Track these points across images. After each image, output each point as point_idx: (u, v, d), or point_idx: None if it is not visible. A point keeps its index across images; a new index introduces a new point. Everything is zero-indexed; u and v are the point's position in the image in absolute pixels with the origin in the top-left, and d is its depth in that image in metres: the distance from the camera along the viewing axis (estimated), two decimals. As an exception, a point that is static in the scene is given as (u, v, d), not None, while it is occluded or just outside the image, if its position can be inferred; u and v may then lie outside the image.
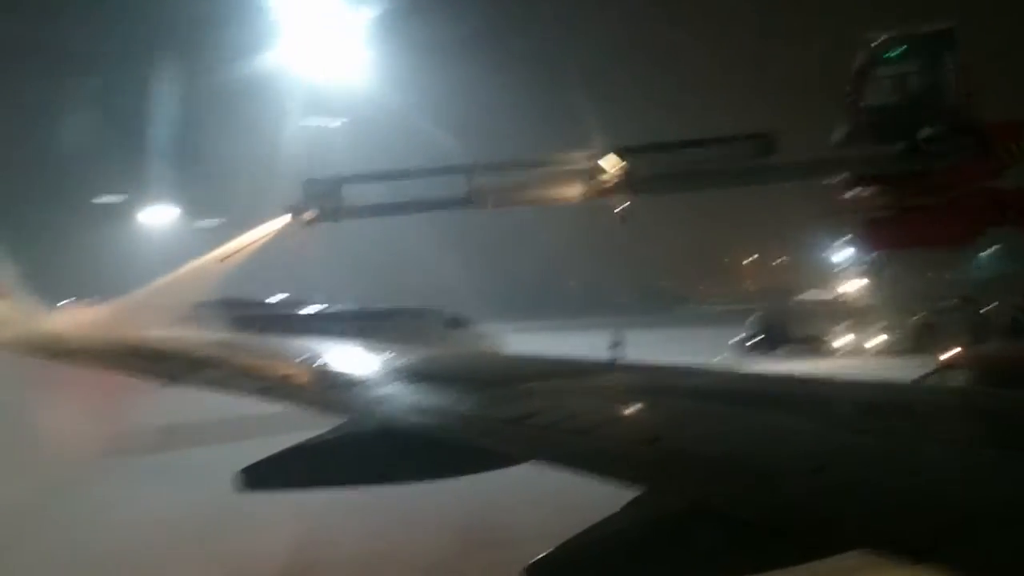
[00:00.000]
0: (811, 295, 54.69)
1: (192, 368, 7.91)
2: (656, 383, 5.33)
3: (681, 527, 2.93)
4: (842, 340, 46.41)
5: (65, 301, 17.79)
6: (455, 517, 13.39)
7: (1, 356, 13.62)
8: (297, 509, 11.46)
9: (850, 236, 41.99)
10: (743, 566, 2.92)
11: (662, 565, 3.03)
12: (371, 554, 13.19)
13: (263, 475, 4.85)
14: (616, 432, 3.94)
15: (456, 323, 36.19)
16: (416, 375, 6.05)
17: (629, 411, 4.61)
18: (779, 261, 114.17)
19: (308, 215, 16.55)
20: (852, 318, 47.49)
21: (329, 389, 5.85)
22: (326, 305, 38.99)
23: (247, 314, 33.62)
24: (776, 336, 48.71)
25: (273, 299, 43.49)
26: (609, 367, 8.21)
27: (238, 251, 17.15)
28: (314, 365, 7.13)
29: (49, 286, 18.65)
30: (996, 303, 37.95)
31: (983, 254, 39.54)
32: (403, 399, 5.05)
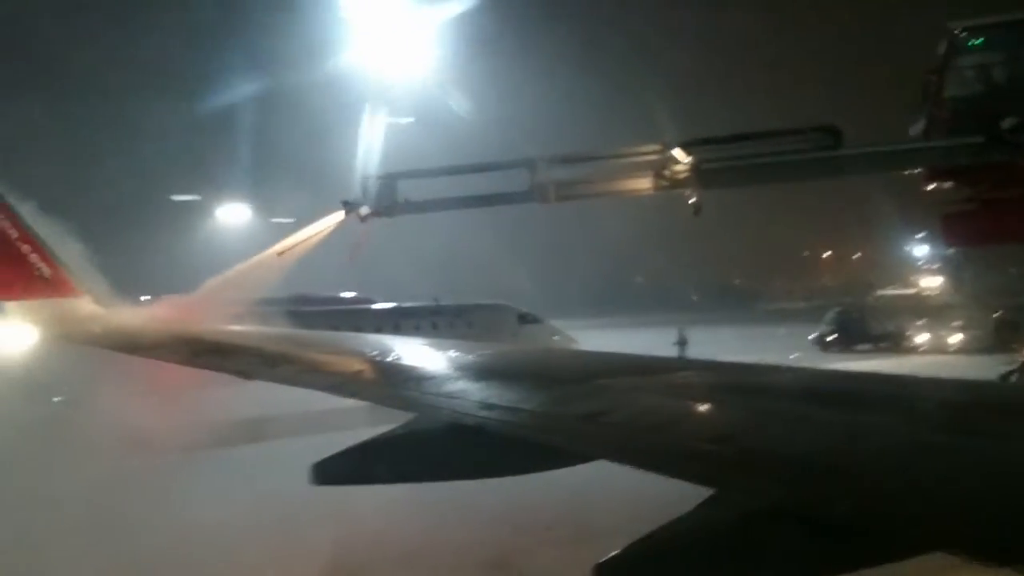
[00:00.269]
0: (890, 291, 53.38)
1: (267, 363, 8.05)
2: (730, 381, 5.23)
3: (757, 528, 2.87)
4: (922, 337, 45.28)
5: (146, 297, 18.31)
6: (524, 514, 13.42)
7: (86, 351, 14.13)
8: (368, 503, 11.60)
9: (930, 230, 40.84)
10: (821, 568, 2.85)
11: (735, 566, 2.97)
12: (442, 549, 13.31)
13: (335, 470, 4.91)
14: (689, 430, 3.87)
15: (528, 319, 36.25)
16: (487, 371, 6.05)
17: (702, 409, 4.53)
18: (857, 256, 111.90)
19: (363, 211, 16.63)
20: (932, 314, 46.30)
21: (400, 385, 5.89)
22: (399, 302, 39.51)
23: (320, 310, 34.29)
24: (854, 333, 47.75)
25: (346, 295, 44.18)
26: (681, 365, 8.11)
27: (295, 247, 17.38)
28: (386, 361, 7.19)
29: (131, 282, 19.22)
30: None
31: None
32: (474, 395, 5.05)
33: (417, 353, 7.76)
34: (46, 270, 16.03)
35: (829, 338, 47.32)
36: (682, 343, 39.59)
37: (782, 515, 2.84)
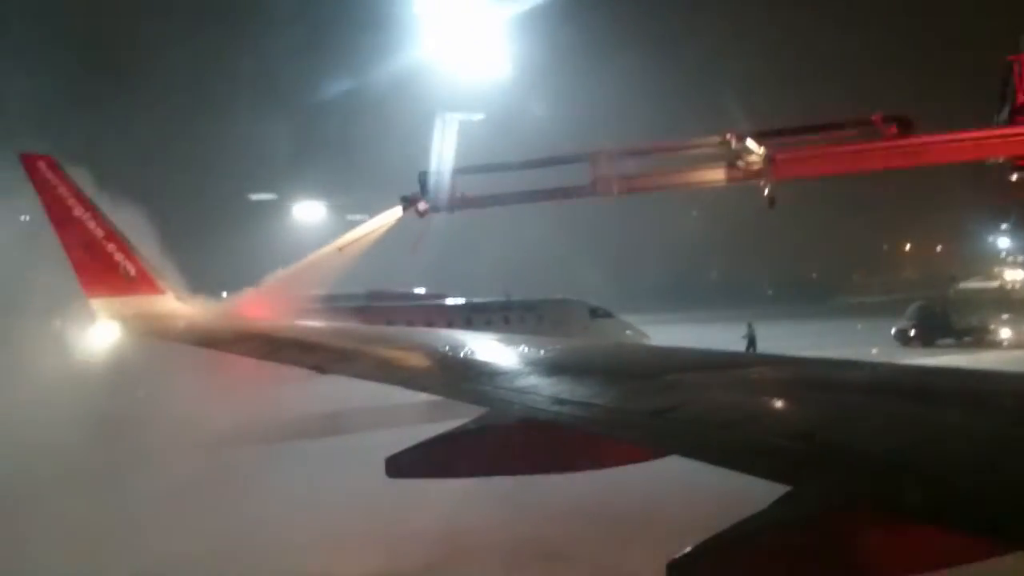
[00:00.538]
0: (973, 284, 51.71)
1: (342, 359, 8.19)
2: (805, 376, 5.13)
3: (835, 526, 2.82)
4: (1006, 331, 43.87)
5: (225, 293, 18.80)
6: (596, 509, 13.40)
7: (169, 347, 14.58)
8: (442, 496, 11.74)
9: (1014, 221, 39.48)
10: (901, 566, 2.78)
11: (812, 565, 2.92)
12: (513, 543, 13.38)
13: (409, 463, 4.97)
14: (765, 427, 3.80)
15: (599, 313, 36.08)
16: (559, 366, 6.05)
17: (777, 405, 4.45)
18: (939, 249, 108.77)
19: (421, 206, 16.69)
20: (1016, 308, 44.80)
21: (473, 380, 5.93)
22: (471, 297, 39.74)
23: (393, 306, 34.72)
24: (936, 327, 46.45)
25: (418, 291, 44.60)
26: (754, 360, 7.97)
27: (354, 242, 17.54)
28: (458, 356, 7.24)
29: (211, 279, 19.77)
30: None
31: None
32: (545, 390, 5.06)
33: (489, 348, 7.80)
34: (131, 269, 16.57)
35: (911, 332, 46.14)
36: (750, 338, 39.02)
37: (861, 513, 2.79)
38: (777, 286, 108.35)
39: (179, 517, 13.50)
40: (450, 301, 39.19)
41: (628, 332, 35.48)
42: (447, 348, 7.63)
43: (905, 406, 3.93)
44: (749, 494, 3.16)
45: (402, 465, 4.94)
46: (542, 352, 7.00)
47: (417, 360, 7.40)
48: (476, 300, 38.20)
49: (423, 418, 7.98)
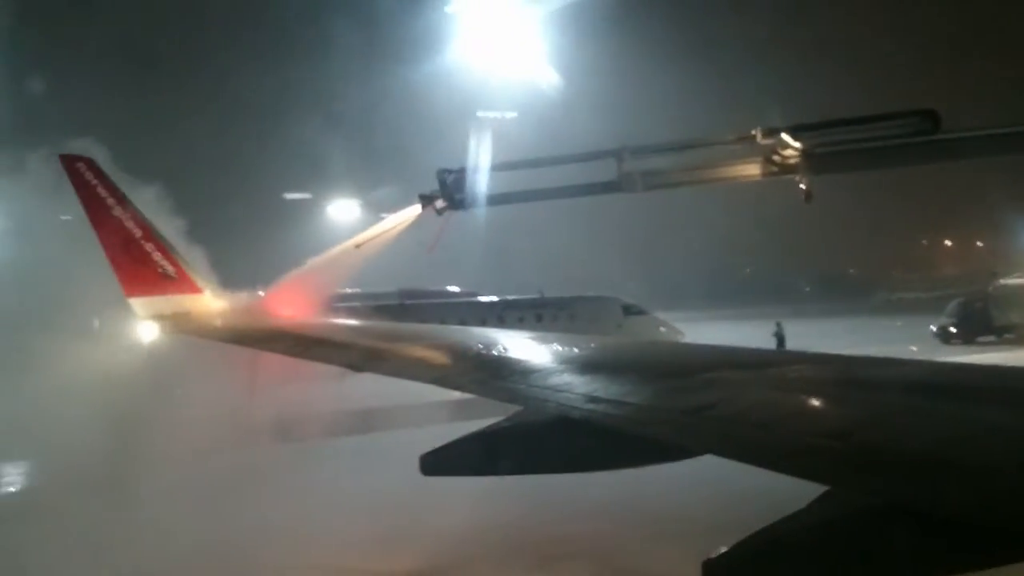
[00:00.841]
0: (1014, 280, 50.56)
1: (375, 357, 8.23)
2: (842, 375, 5.05)
3: (874, 526, 2.78)
4: (1049, 328, 43.15)
5: (262, 292, 18.96)
6: (630, 508, 13.36)
7: (207, 344, 14.76)
8: (476, 494, 11.76)
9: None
10: (939, 567, 2.74)
11: (850, 566, 2.88)
12: (548, 541, 13.37)
13: (443, 461, 4.99)
14: (802, 426, 3.75)
15: (633, 311, 35.90)
16: (592, 364, 6.03)
17: (814, 404, 4.40)
18: (979, 244, 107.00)
19: (439, 204, 16.60)
20: (1059, 304, 43.96)
21: (506, 378, 5.92)
22: (505, 295, 39.77)
23: (426, 303, 34.86)
24: (977, 324, 45.74)
25: (451, 289, 44.71)
26: (790, 358, 7.89)
27: (372, 239, 17.52)
28: (491, 354, 7.24)
29: (248, 277, 19.93)
30: None
31: None
32: (579, 388, 5.03)
33: (522, 346, 7.78)
34: (170, 268, 16.75)
35: (951, 329, 45.46)
36: (779, 337, 38.49)
37: (900, 513, 2.75)
38: (815, 283, 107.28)
39: (214, 514, 13.67)
40: (483, 299, 39.23)
41: (662, 329, 35.27)
42: (480, 346, 7.62)
43: (945, 405, 3.86)
44: (785, 494, 3.13)
45: (436, 463, 4.96)
46: (575, 350, 6.97)
47: (450, 358, 7.40)
48: (509, 298, 38.20)
49: (456, 416, 8.01)
